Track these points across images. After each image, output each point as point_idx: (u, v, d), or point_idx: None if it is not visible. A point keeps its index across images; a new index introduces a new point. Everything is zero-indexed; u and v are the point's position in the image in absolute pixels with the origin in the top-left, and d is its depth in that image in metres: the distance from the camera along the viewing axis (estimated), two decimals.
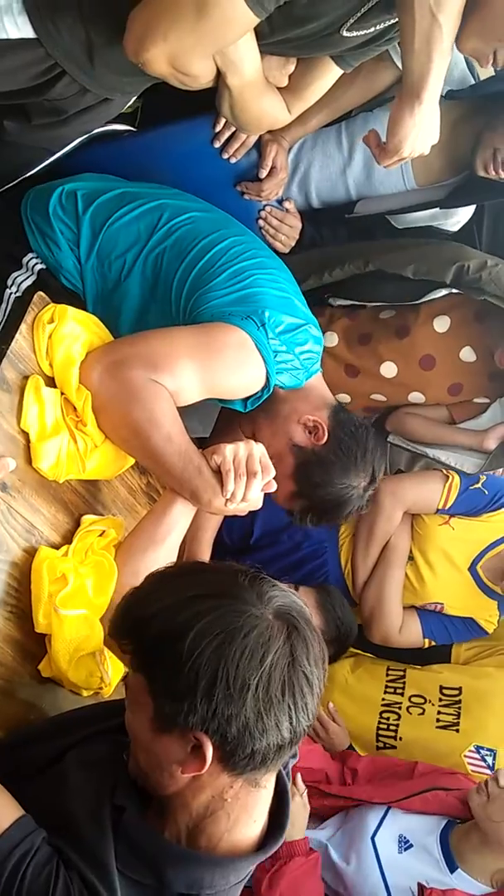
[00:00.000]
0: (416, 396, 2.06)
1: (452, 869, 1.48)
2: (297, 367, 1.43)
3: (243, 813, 0.85)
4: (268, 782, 0.87)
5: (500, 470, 2.08)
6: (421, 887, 1.43)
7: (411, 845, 1.52)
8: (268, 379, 1.35)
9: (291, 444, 1.43)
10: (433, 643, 1.97)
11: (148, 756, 0.84)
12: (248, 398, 1.38)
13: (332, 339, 2.02)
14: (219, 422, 1.72)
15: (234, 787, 0.82)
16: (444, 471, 1.98)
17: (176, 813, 0.85)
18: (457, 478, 1.94)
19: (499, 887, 1.45)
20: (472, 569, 1.95)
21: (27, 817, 0.84)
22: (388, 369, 2.00)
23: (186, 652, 0.76)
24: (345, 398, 2.09)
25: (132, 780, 0.89)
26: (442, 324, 1.96)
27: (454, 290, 1.88)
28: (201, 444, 1.68)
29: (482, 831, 1.46)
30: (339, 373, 2.03)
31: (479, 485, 1.95)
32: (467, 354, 1.97)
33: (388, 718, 1.86)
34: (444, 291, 1.88)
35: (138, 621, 0.82)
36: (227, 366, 1.29)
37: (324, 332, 1.99)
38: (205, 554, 1.67)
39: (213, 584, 0.83)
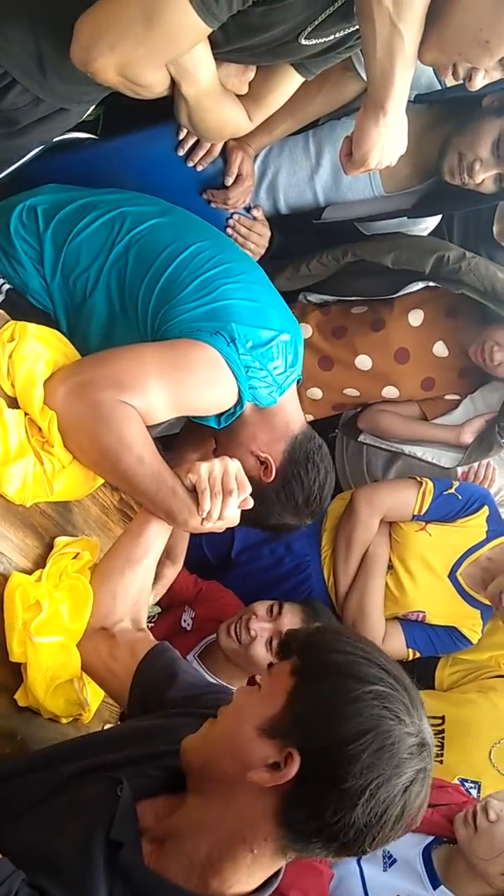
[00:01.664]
0: (390, 391, 2.08)
1: (435, 885, 1.47)
2: (269, 383, 1.42)
3: (259, 870, 0.85)
4: (290, 857, 0.86)
5: (487, 465, 2.10)
6: None
7: (395, 860, 1.52)
8: (240, 395, 1.34)
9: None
10: (417, 654, 1.98)
11: (232, 743, 0.86)
12: (221, 414, 1.38)
13: (306, 331, 2.05)
14: (185, 428, 1.72)
15: (267, 841, 0.83)
16: (418, 477, 2.00)
17: (194, 839, 0.84)
18: (430, 483, 1.97)
19: None
20: (452, 576, 1.97)
21: (5, 860, 0.81)
22: (363, 362, 2.04)
23: (356, 695, 0.80)
24: (316, 393, 2.10)
25: (132, 812, 0.87)
26: (416, 317, 2.00)
27: (430, 284, 1.90)
28: (170, 441, 1.68)
29: (469, 861, 1.46)
30: (313, 365, 2.05)
31: (452, 490, 1.98)
32: (440, 349, 2.02)
33: None
34: (420, 285, 1.91)
35: (331, 642, 0.87)
36: (197, 384, 1.28)
37: None
38: (178, 565, 1.66)
39: (400, 678, 0.86)
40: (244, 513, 1.34)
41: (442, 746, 1.84)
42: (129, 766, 0.93)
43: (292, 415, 1.50)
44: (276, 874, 0.89)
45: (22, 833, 0.88)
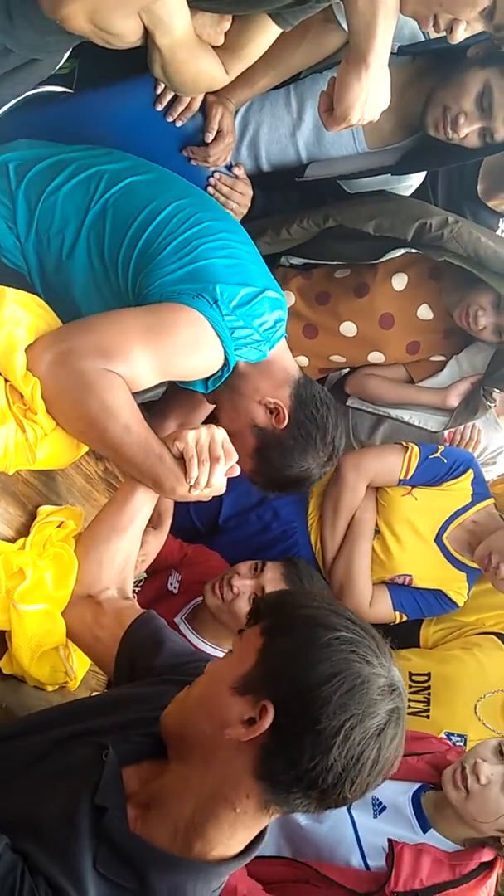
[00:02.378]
0: (375, 356, 2.08)
1: (425, 829, 1.51)
2: (257, 339, 1.41)
3: (243, 830, 0.86)
4: (274, 814, 0.87)
5: (472, 427, 2.11)
6: (391, 842, 1.45)
7: (384, 807, 1.55)
8: (226, 358, 1.33)
9: (252, 424, 1.43)
10: (404, 617, 2.00)
11: (207, 705, 0.88)
12: (208, 378, 1.37)
13: (290, 299, 2.03)
14: (171, 390, 1.70)
15: (249, 798, 0.84)
16: (403, 442, 2.01)
17: (178, 803, 0.86)
18: (416, 448, 1.98)
19: (469, 846, 1.50)
20: (439, 539, 1.99)
21: None
22: (348, 328, 2.03)
23: (323, 642, 0.83)
24: (303, 360, 2.10)
25: (117, 778, 0.88)
26: (399, 281, 2.00)
27: (412, 249, 1.89)
28: (152, 407, 1.67)
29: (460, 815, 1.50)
30: (297, 334, 2.04)
31: (437, 454, 1.99)
32: (424, 312, 2.02)
33: None
34: (402, 250, 1.89)
35: (296, 601, 0.91)
36: (181, 349, 1.27)
37: None
38: (162, 536, 1.67)
39: (366, 627, 0.89)
40: (267, 470, 1.36)
41: (428, 702, 1.88)
42: (114, 732, 0.94)
43: (287, 363, 1.50)
44: (259, 839, 0.90)
45: (7, 798, 0.89)
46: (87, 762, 0.90)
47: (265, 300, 1.41)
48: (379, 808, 1.55)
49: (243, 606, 1.70)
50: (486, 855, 1.44)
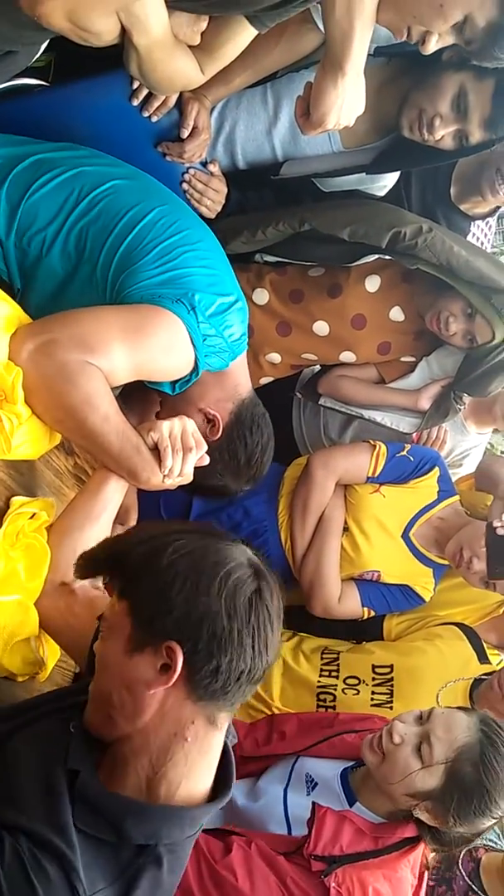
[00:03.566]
0: (347, 356, 2.12)
1: (351, 803, 1.53)
2: (223, 348, 1.46)
3: (199, 757, 0.91)
4: (223, 724, 0.92)
5: (440, 427, 2.15)
6: (314, 806, 1.46)
7: (316, 784, 1.58)
8: (196, 363, 1.38)
9: None
10: (372, 612, 2.04)
11: (115, 684, 0.90)
12: (176, 381, 1.41)
13: (263, 297, 2.07)
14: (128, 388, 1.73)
15: (195, 722, 0.89)
16: (371, 441, 2.05)
17: (136, 759, 0.90)
18: (383, 446, 2.02)
19: (392, 820, 1.51)
20: (406, 536, 2.04)
21: None
22: (321, 328, 2.07)
23: (166, 562, 0.88)
24: (275, 357, 2.12)
25: (85, 744, 0.92)
26: (372, 283, 2.03)
27: (386, 256, 1.92)
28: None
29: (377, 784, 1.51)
30: (271, 331, 2.08)
31: (404, 452, 2.03)
32: (396, 314, 2.06)
33: (324, 700, 1.93)
34: (376, 256, 1.92)
35: (120, 552, 0.93)
36: (157, 349, 1.31)
37: (253, 289, 2.04)
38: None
39: (194, 526, 0.96)
40: None
41: (391, 694, 1.91)
42: (76, 709, 0.98)
43: (241, 379, 1.56)
44: (223, 781, 0.95)
45: None
46: (55, 736, 0.94)
47: (235, 312, 1.47)
48: (312, 785, 1.58)
49: None
50: (409, 831, 1.45)
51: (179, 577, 0.87)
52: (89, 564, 0.97)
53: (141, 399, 1.64)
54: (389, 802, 1.48)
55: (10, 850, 0.79)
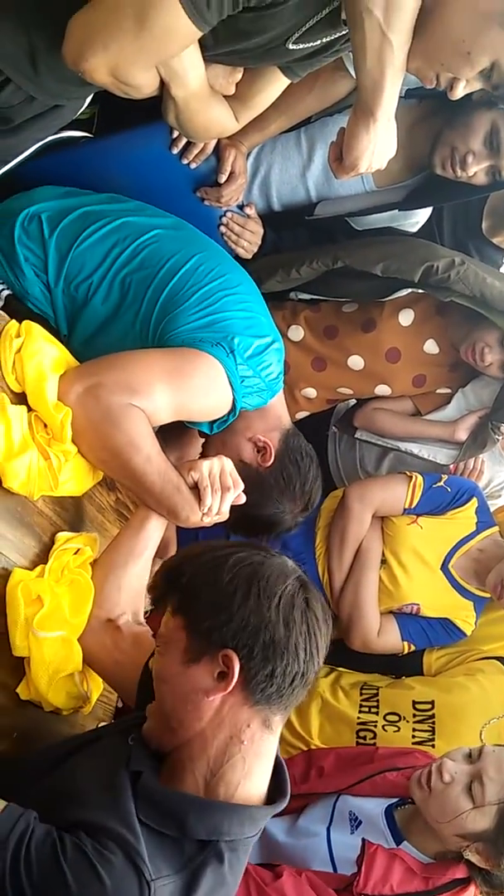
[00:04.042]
0: (382, 389, 2.14)
1: (398, 842, 1.50)
2: (262, 388, 1.51)
3: (256, 760, 0.95)
4: (278, 727, 0.96)
5: (476, 457, 2.15)
6: (364, 842, 1.44)
7: (361, 822, 1.56)
8: (234, 404, 1.43)
9: (239, 459, 1.51)
10: (412, 647, 2.03)
11: (175, 695, 0.95)
12: (214, 421, 1.46)
13: (298, 333, 2.10)
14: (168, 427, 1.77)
15: (251, 726, 0.93)
16: (408, 472, 2.05)
17: (194, 763, 0.93)
18: (420, 477, 2.02)
19: (440, 860, 1.48)
20: (445, 568, 2.02)
21: (12, 805, 0.87)
22: (356, 362, 2.09)
23: (228, 575, 0.93)
24: (311, 392, 2.15)
25: (145, 751, 0.96)
26: (406, 317, 2.05)
27: (419, 290, 1.94)
28: None
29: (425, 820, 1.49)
30: (306, 366, 2.11)
31: (441, 483, 2.03)
32: (431, 347, 2.07)
33: (364, 738, 1.91)
34: (409, 290, 1.95)
35: (176, 571, 0.99)
36: (198, 390, 1.36)
37: (288, 326, 2.07)
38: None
39: (244, 542, 1.02)
40: (242, 508, 1.41)
41: (433, 731, 1.88)
42: (138, 722, 1.03)
43: (281, 412, 1.61)
44: (279, 782, 0.98)
45: (48, 784, 0.97)
46: (115, 748, 0.99)
47: (272, 352, 1.52)
48: (355, 823, 1.56)
49: None
50: (460, 872, 1.43)
51: (241, 588, 0.92)
52: (154, 594, 1.03)
53: (179, 437, 1.67)
54: (438, 843, 1.46)
55: (71, 845, 0.82)
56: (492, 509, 2.15)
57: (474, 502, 2.03)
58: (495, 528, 2.06)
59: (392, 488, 2.03)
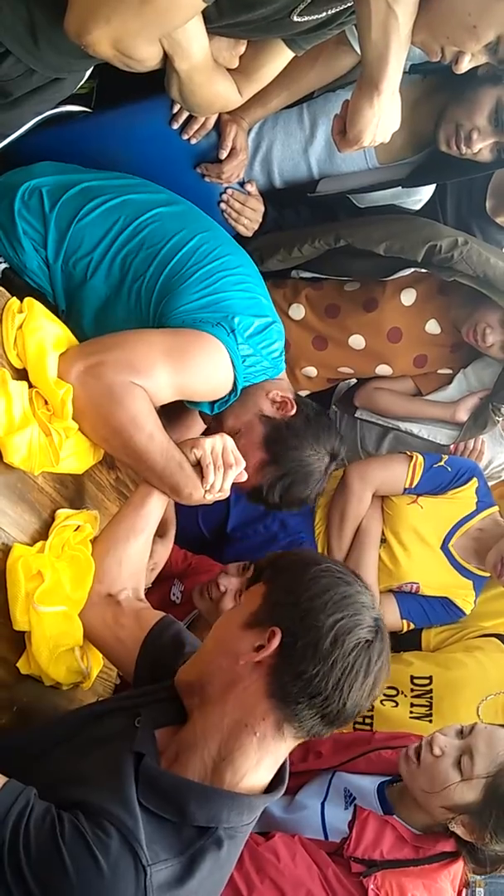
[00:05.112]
0: (383, 368, 2.14)
1: (389, 813, 1.53)
2: (266, 366, 1.52)
3: (267, 756, 0.96)
4: (289, 738, 0.97)
5: (477, 438, 2.16)
6: (357, 808, 1.48)
7: (354, 798, 1.59)
8: (235, 384, 1.43)
9: (261, 414, 1.53)
10: (412, 625, 2.05)
11: (218, 645, 1.02)
12: (215, 401, 1.47)
13: (299, 312, 2.10)
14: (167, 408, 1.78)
15: (265, 720, 0.95)
16: (408, 452, 2.07)
17: (206, 742, 0.95)
18: (420, 457, 2.03)
19: (427, 832, 1.51)
20: (445, 547, 2.04)
21: (13, 781, 0.88)
22: (357, 341, 2.09)
23: (312, 573, 0.98)
24: (312, 371, 2.16)
25: (150, 734, 0.98)
26: (408, 297, 2.05)
27: (422, 269, 1.94)
28: None
29: (414, 797, 1.51)
30: (307, 345, 2.12)
31: (442, 463, 2.04)
32: (432, 327, 2.07)
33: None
34: (412, 269, 1.94)
35: (282, 554, 1.07)
36: (199, 370, 1.37)
37: (289, 305, 2.07)
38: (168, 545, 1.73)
39: (347, 571, 1.04)
40: (280, 454, 1.49)
41: (431, 706, 1.91)
42: (140, 707, 1.04)
43: (286, 384, 1.61)
44: (281, 775, 1.00)
45: (52, 763, 0.98)
46: (121, 728, 1.00)
47: (273, 330, 1.52)
48: (350, 799, 1.59)
49: (229, 604, 1.72)
50: (449, 846, 1.45)
51: (319, 587, 0.97)
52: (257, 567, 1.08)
53: (180, 417, 1.68)
54: (426, 815, 1.48)
55: (69, 826, 0.83)
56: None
57: (474, 482, 2.04)
58: (495, 508, 2.07)
59: (392, 468, 2.04)
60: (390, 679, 1.94)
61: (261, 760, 0.96)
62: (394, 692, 1.96)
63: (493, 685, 1.86)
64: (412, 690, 1.95)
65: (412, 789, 1.49)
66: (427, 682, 1.95)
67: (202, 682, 1.00)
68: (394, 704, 1.93)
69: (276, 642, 0.94)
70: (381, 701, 1.95)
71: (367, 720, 1.92)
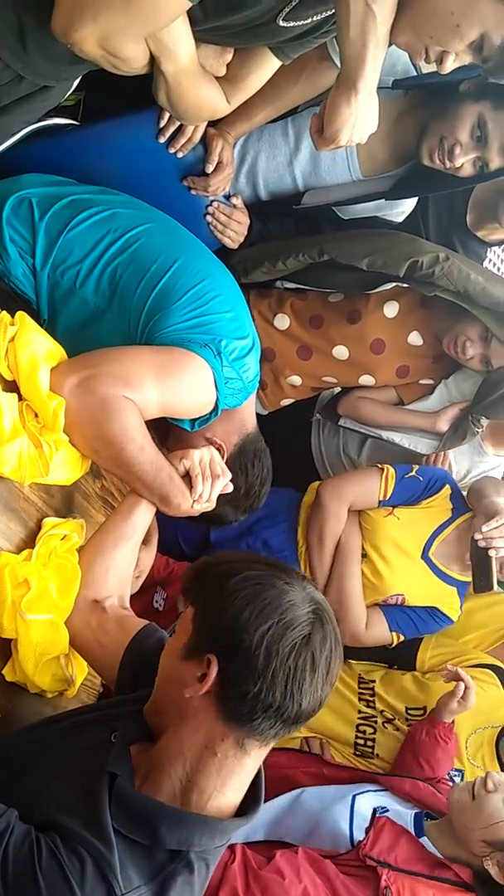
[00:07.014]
0: (366, 379, 2.19)
1: (419, 836, 1.59)
2: (241, 388, 1.56)
3: (230, 776, 0.97)
4: (253, 751, 0.98)
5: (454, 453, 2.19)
6: (374, 814, 1.53)
7: (386, 810, 1.63)
8: (216, 403, 1.47)
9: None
10: (401, 637, 2.06)
11: (166, 678, 1.02)
12: (195, 419, 1.50)
13: (284, 322, 2.14)
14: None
15: (224, 741, 0.96)
16: (379, 464, 2.10)
17: (172, 766, 0.97)
18: (391, 469, 2.06)
19: (452, 860, 1.56)
20: (425, 556, 2.07)
21: None
22: (341, 352, 2.14)
23: (232, 586, 0.96)
24: (296, 380, 2.19)
25: (125, 752, 0.99)
26: (391, 309, 2.09)
27: (403, 284, 1.98)
28: None
29: (455, 829, 1.56)
30: (292, 354, 2.16)
31: (413, 473, 2.07)
32: (414, 338, 2.12)
33: (364, 731, 1.98)
34: (394, 284, 1.98)
35: (207, 565, 1.03)
36: (185, 389, 1.41)
37: (274, 315, 2.12)
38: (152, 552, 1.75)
39: (274, 562, 1.03)
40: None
41: None
42: (116, 720, 1.06)
43: (247, 416, 1.65)
44: (253, 798, 1.01)
45: (30, 778, 0.99)
46: (97, 743, 1.01)
47: (252, 354, 1.57)
48: (381, 811, 1.64)
49: None
50: (464, 875, 1.50)
51: (238, 602, 0.94)
52: (185, 575, 1.07)
53: (159, 432, 1.71)
54: (460, 849, 1.54)
55: (46, 851, 0.85)
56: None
57: (447, 489, 2.08)
58: (470, 514, 2.09)
59: (365, 482, 2.07)
60: (386, 704, 2.01)
61: (226, 780, 0.97)
62: (392, 717, 2.02)
63: (481, 720, 1.89)
64: (407, 720, 2.00)
65: (456, 821, 1.55)
66: (421, 713, 1.99)
67: (160, 713, 1.02)
68: (395, 728, 1.98)
69: (214, 670, 0.94)
70: (383, 723, 1.99)
71: (370, 742, 1.96)
